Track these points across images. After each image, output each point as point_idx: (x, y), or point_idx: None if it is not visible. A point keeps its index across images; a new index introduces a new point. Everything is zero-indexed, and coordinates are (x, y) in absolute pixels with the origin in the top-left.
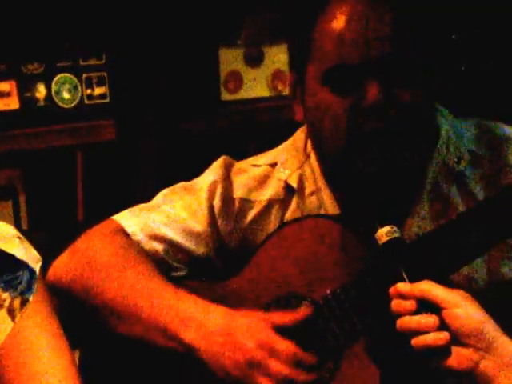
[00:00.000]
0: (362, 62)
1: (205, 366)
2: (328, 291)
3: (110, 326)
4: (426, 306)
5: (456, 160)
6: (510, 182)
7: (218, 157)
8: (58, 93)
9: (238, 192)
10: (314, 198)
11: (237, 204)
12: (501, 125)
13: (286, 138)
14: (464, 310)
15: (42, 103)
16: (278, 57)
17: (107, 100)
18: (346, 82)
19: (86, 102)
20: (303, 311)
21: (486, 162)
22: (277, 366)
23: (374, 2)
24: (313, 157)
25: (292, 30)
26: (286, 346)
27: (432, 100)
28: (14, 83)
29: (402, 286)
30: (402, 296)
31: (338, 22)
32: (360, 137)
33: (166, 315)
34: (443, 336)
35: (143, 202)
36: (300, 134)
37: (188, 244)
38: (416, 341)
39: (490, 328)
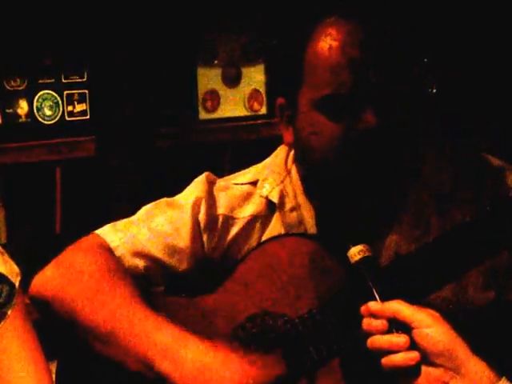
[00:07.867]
0: (357, 89)
1: None
2: (304, 309)
3: (88, 344)
4: (397, 325)
5: (439, 185)
6: (484, 209)
7: (196, 175)
8: (39, 109)
9: (221, 209)
10: (294, 214)
11: (220, 221)
12: (484, 155)
13: (261, 156)
14: (434, 329)
15: (23, 119)
16: (255, 77)
17: (87, 117)
18: (340, 108)
19: (67, 118)
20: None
21: (470, 190)
22: None
23: (364, 30)
24: (293, 173)
25: (279, 57)
26: None
27: (418, 122)
28: None
29: (373, 305)
30: (374, 315)
31: (331, 49)
32: (353, 160)
33: (144, 344)
34: (413, 356)
35: (120, 218)
36: (280, 152)
37: (170, 261)
38: (386, 360)
39: (460, 348)
